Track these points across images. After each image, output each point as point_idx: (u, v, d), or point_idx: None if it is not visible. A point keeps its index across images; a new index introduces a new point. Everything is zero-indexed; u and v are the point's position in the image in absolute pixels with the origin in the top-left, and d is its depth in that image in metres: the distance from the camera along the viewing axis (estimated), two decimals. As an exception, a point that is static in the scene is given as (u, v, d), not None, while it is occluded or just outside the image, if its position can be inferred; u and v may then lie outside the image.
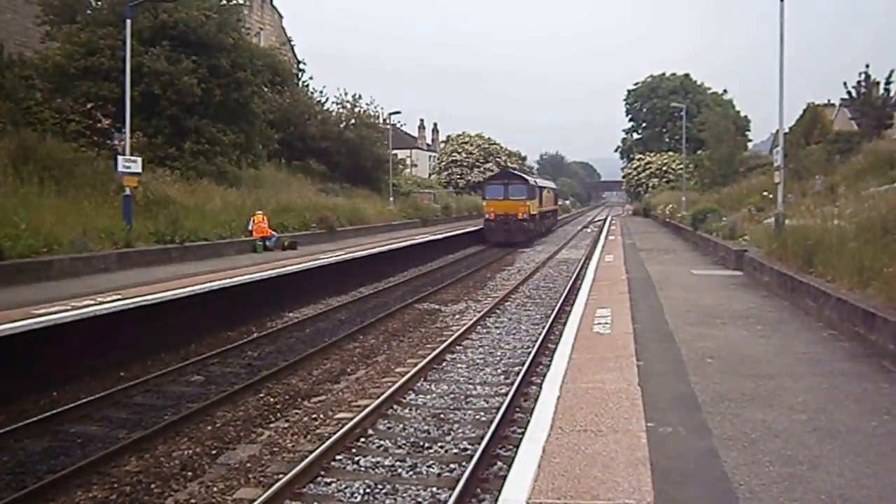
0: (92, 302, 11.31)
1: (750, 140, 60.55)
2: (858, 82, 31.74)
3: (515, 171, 44.29)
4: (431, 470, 7.44)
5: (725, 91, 70.51)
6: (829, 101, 44.90)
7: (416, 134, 75.10)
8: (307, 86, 38.83)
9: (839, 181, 21.22)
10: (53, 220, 15.06)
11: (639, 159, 67.86)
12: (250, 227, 21.78)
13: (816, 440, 5.37)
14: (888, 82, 30.31)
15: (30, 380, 9.83)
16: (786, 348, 8.51)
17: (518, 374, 10.73)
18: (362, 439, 8.33)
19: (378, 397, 9.63)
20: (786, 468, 4.82)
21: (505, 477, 5.07)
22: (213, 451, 8.15)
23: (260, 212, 22.33)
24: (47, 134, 19.48)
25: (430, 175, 66.73)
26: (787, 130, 23.18)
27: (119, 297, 11.91)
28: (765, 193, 23.01)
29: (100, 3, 23.06)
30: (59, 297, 11.60)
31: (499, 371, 11.53)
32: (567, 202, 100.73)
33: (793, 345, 8.70)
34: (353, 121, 38.86)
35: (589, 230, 55.11)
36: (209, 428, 8.88)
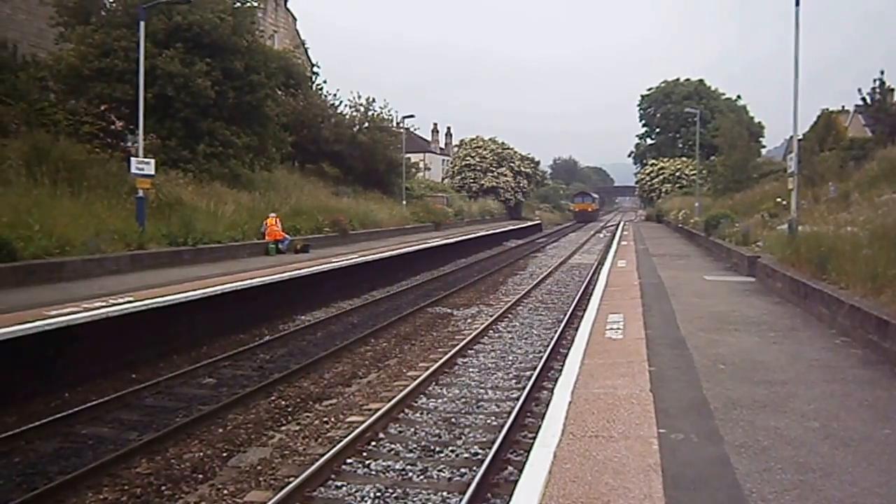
0: (104, 304, 11.37)
1: (763, 146, 60.14)
2: (873, 89, 31.60)
3: (586, 192, 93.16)
4: (442, 474, 7.42)
5: (739, 97, 70.29)
6: (843, 107, 44.65)
7: (429, 138, 75.19)
8: (321, 89, 38.87)
9: (853, 188, 21.07)
10: (66, 221, 15.13)
11: (652, 165, 67.55)
12: (263, 230, 21.87)
13: (829, 448, 5.32)
14: (903, 89, 30.17)
15: (41, 381, 9.90)
16: (798, 355, 8.45)
17: (530, 378, 10.69)
18: (373, 443, 8.32)
19: (389, 401, 9.62)
20: (798, 476, 4.78)
21: (516, 482, 5.05)
22: (224, 454, 8.16)
23: (273, 214, 22.42)
24: (61, 135, 19.49)
25: (443, 179, 66.67)
26: (801, 137, 23.00)
27: (131, 298, 11.96)
28: (778, 200, 22.89)
29: (114, 4, 23.18)
30: (72, 299, 11.66)
31: (510, 375, 11.51)
32: None
33: (805, 352, 8.64)
34: (366, 124, 38.84)
35: (601, 235, 54.91)
36: (220, 430, 8.90)
